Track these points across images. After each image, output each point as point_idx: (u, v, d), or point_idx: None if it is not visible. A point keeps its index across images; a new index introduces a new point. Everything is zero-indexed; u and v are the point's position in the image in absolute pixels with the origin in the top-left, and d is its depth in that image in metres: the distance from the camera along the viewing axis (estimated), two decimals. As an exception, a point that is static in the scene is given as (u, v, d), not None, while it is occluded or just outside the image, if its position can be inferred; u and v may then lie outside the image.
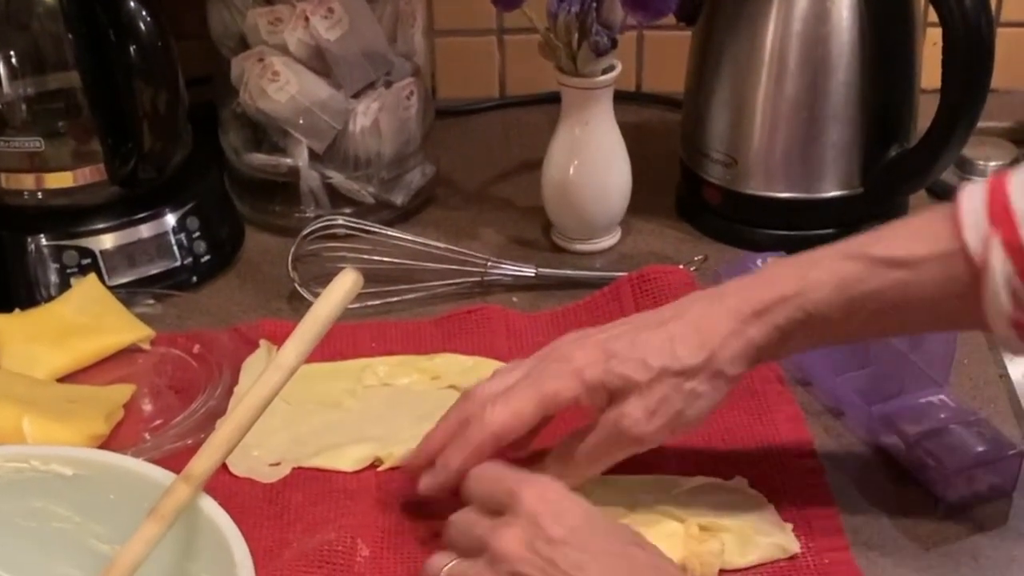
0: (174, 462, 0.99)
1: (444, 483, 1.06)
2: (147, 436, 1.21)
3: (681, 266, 1.41)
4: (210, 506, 0.91)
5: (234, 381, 1.26)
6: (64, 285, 1.37)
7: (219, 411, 1.22)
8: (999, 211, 0.94)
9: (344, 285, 0.94)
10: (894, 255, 0.99)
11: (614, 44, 1.38)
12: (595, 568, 0.91)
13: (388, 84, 1.50)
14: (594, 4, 1.35)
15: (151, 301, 1.39)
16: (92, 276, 1.37)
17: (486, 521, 0.98)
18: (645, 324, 1.06)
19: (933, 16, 1.35)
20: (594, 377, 1.04)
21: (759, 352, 1.03)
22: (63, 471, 0.96)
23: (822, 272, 1.01)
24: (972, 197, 0.96)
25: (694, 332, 1.03)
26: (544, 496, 0.96)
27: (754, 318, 1.02)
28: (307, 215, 1.50)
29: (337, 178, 1.51)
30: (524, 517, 0.94)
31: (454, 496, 1.06)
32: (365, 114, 1.48)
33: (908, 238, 1.00)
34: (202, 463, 0.91)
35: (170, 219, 1.43)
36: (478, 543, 0.96)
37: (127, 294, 1.37)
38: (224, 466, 0.95)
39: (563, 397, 1.05)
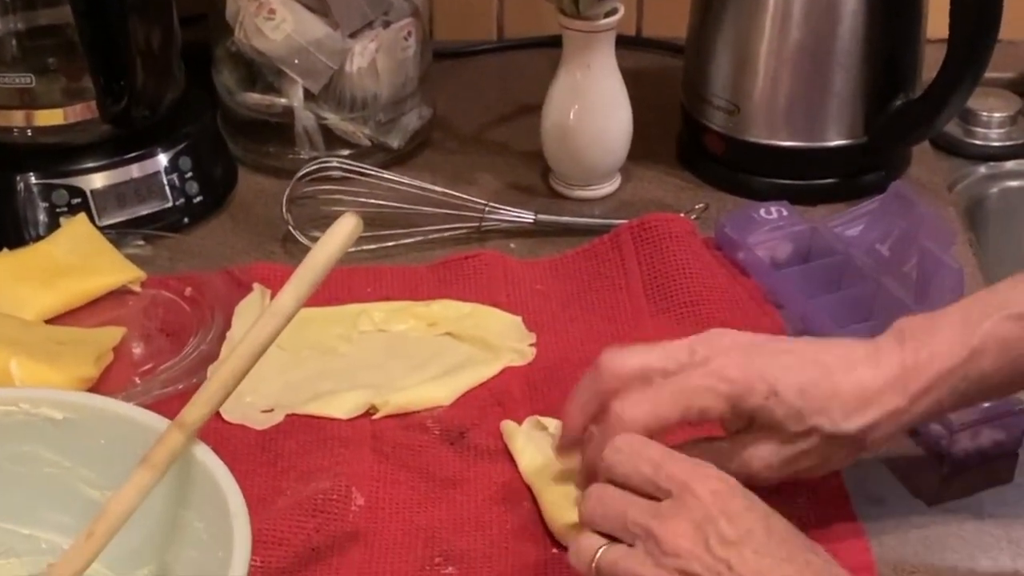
0: (165, 407, 0.97)
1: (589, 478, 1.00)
2: (137, 380, 1.20)
3: (682, 214, 1.39)
4: (205, 453, 0.89)
5: (226, 325, 1.25)
6: (53, 225, 1.36)
7: (211, 356, 1.21)
8: None
9: (344, 230, 0.92)
10: None
11: (618, -14, 1.36)
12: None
13: (386, 24, 1.48)
14: (598, -55, 1.34)
15: (141, 242, 1.37)
16: (82, 216, 1.35)
17: (644, 504, 0.92)
18: (813, 364, 0.99)
19: (941, -36, 1.33)
20: (747, 407, 0.98)
21: (912, 426, 1.03)
22: (53, 415, 0.94)
23: (987, 338, 0.98)
24: None
25: (858, 398, 0.98)
26: (718, 492, 0.90)
27: (922, 395, 0.98)
28: (301, 157, 1.48)
29: (332, 119, 1.49)
30: (697, 511, 0.89)
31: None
32: (362, 54, 1.46)
33: None
34: (196, 410, 0.89)
35: (162, 159, 1.41)
36: (634, 528, 0.90)
37: (117, 235, 1.36)
38: (216, 412, 0.93)
39: (709, 416, 0.99)
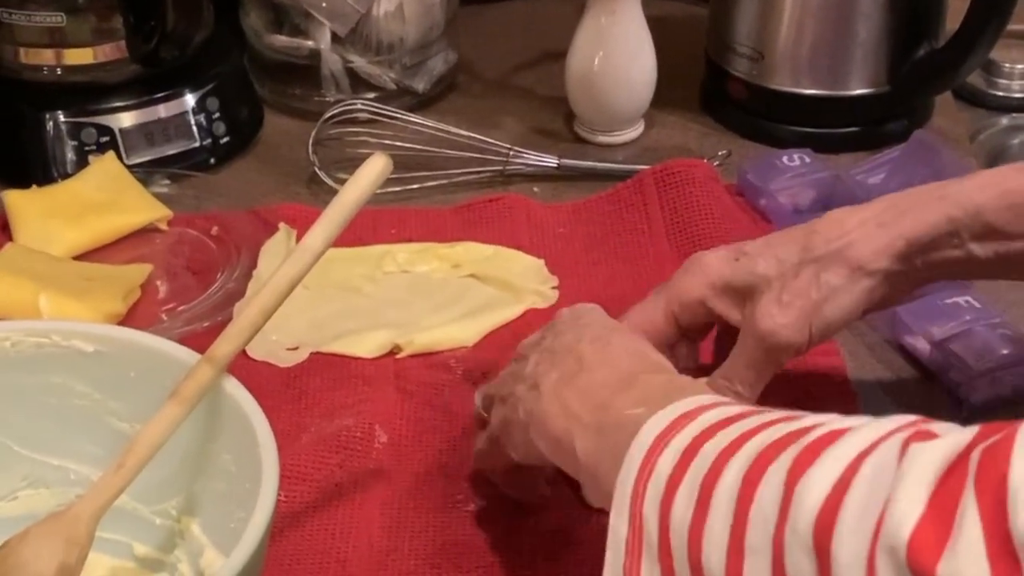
0: (190, 343, 0.97)
1: None
2: (164, 316, 1.21)
3: (704, 160, 1.39)
4: (233, 386, 0.90)
5: (252, 264, 1.26)
6: (82, 163, 1.37)
7: (237, 294, 1.22)
8: None
9: (374, 169, 0.92)
10: None
11: (644, -68, 1.36)
12: (587, 348, 0.90)
13: (414, -32, 1.48)
14: None
15: (168, 181, 1.38)
16: (110, 154, 1.36)
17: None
18: (787, 229, 1.01)
19: (968, -88, 1.33)
20: (720, 276, 0.99)
21: (910, 247, 0.95)
22: (84, 347, 0.95)
23: (982, 177, 0.95)
24: None
25: (834, 225, 0.96)
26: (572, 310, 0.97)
27: (907, 212, 0.95)
28: (327, 99, 1.49)
29: (359, 62, 1.49)
30: (543, 346, 0.95)
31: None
32: (389, -2, 1.47)
33: None
34: (226, 344, 0.90)
35: (190, 99, 1.42)
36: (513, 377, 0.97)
37: (144, 173, 1.37)
38: (242, 349, 0.94)
39: (689, 298, 1.00)
